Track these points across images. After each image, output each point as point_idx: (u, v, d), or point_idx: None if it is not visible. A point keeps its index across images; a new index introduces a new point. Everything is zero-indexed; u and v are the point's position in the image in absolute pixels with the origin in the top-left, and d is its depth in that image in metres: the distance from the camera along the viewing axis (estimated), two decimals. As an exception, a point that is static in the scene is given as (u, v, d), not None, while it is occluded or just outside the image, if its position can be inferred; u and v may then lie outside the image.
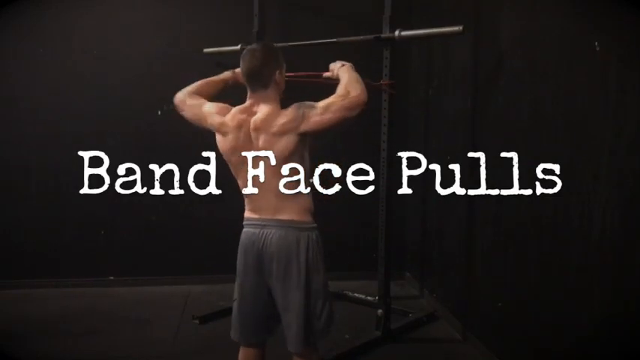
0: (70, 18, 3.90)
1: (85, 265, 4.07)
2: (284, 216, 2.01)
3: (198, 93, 2.22)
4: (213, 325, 3.39)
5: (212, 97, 2.20)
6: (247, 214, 2.10)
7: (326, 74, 2.34)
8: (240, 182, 2.08)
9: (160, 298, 3.86)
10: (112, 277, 4.11)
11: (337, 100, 1.97)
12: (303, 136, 1.96)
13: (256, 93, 2.01)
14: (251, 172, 2.02)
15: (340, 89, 2.04)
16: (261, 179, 2.01)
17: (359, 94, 1.99)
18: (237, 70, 2.33)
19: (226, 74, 2.36)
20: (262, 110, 1.98)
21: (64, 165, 3.99)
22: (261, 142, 1.97)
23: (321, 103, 1.96)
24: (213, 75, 2.38)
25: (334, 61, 2.32)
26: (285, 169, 1.98)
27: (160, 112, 3.99)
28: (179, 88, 2.25)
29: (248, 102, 2.04)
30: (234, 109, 2.04)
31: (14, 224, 4.02)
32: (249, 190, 2.04)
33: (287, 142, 1.94)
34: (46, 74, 3.91)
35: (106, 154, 3.99)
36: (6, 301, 3.76)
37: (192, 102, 2.18)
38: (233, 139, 2.01)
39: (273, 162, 1.96)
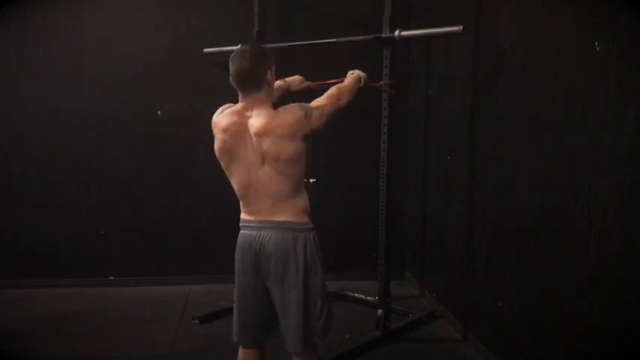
0: (71, 18, 3.90)
1: (85, 265, 4.07)
2: (280, 217, 2.01)
3: None
4: (213, 325, 3.39)
5: None
6: (243, 215, 2.09)
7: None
8: (234, 185, 2.07)
9: (160, 298, 3.86)
10: (112, 277, 4.11)
11: (329, 102, 2.11)
12: (306, 137, 1.97)
13: (248, 96, 1.99)
14: (245, 174, 2.02)
15: (332, 91, 2.17)
16: (257, 183, 2.00)
17: (344, 101, 2.19)
18: (288, 79, 2.58)
19: (277, 82, 2.43)
20: (260, 114, 1.96)
21: (64, 165, 4.00)
22: (266, 146, 1.95)
23: (319, 104, 2.05)
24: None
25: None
26: (290, 171, 1.98)
27: (159, 112, 4.00)
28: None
29: (240, 105, 2.02)
30: (226, 111, 2.02)
31: (14, 224, 4.03)
32: (244, 191, 2.05)
33: (294, 144, 1.94)
34: (46, 74, 3.91)
35: (106, 154, 4.03)
36: (6, 301, 3.76)
37: None
38: (220, 140, 2.01)
39: (277, 164, 1.96)
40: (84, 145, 4.01)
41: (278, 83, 2.46)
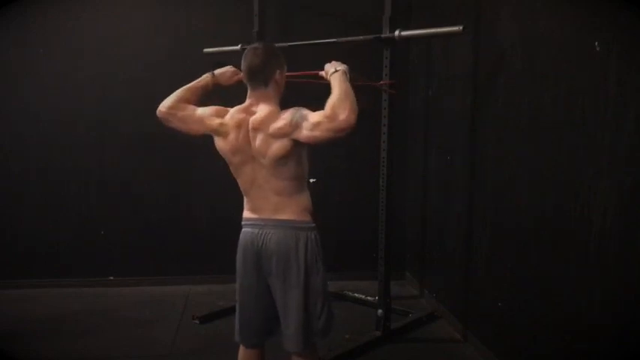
0: (71, 18, 3.90)
1: (85, 265, 4.07)
2: (283, 216, 2.01)
3: (183, 101, 2.13)
4: (213, 325, 3.39)
5: (194, 104, 2.13)
6: (246, 214, 2.10)
7: (320, 73, 2.21)
8: (240, 182, 2.08)
9: (160, 298, 3.86)
10: (111, 277, 4.11)
11: (325, 121, 1.85)
12: (298, 142, 1.94)
13: (256, 91, 2.01)
14: (250, 171, 2.02)
15: (328, 109, 1.87)
16: (261, 179, 2.01)
17: (347, 116, 1.83)
18: (217, 71, 2.27)
19: (206, 78, 2.23)
20: (261, 110, 1.98)
21: (64, 165, 4.00)
22: (258, 143, 1.96)
23: (311, 119, 1.87)
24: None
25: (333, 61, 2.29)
26: (283, 170, 1.98)
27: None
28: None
29: (247, 101, 2.03)
30: (233, 109, 2.04)
31: (14, 224, 4.03)
32: (248, 188, 2.05)
33: (282, 144, 1.93)
34: (46, 74, 3.91)
35: (106, 154, 4.03)
36: (6, 301, 3.76)
37: (182, 112, 2.09)
38: (234, 139, 2.00)
39: (265, 161, 1.96)
40: (84, 145, 4.01)
41: (205, 76, 2.23)
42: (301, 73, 2.58)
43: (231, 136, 2.01)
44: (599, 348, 2.04)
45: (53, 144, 3.97)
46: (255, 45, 2.06)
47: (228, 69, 2.29)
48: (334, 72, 2.05)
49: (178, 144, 3.98)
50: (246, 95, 2.05)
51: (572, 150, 2.19)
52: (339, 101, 1.89)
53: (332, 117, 1.85)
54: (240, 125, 2.00)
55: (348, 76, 2.04)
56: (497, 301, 2.79)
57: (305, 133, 1.89)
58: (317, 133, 1.87)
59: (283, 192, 2.01)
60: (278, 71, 2.00)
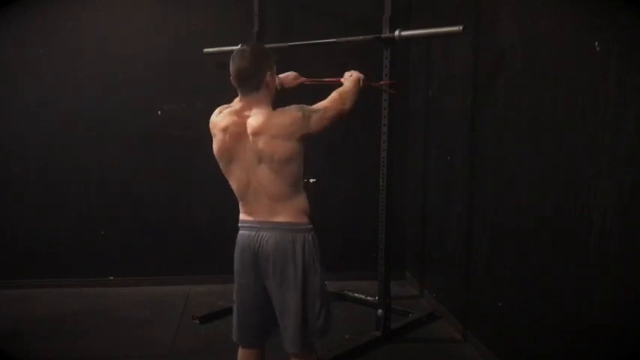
0: (71, 18, 3.90)
1: (85, 265, 4.07)
2: (279, 218, 2.01)
3: None
4: (213, 325, 3.39)
5: None
6: (242, 216, 2.09)
7: (342, 80, 2.39)
8: (234, 186, 2.07)
9: (160, 298, 3.86)
10: (111, 277, 4.11)
11: (332, 106, 2.06)
12: (304, 139, 1.96)
13: (247, 96, 1.99)
14: (244, 175, 2.02)
15: (335, 95, 2.11)
16: (256, 183, 2.00)
17: (348, 106, 2.11)
18: (281, 75, 2.48)
19: None
20: (257, 114, 1.96)
21: (64, 165, 4.00)
22: (261, 146, 1.95)
23: (320, 107, 2.02)
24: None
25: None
26: (285, 171, 1.97)
27: (160, 112, 4.00)
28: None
29: (238, 105, 2.02)
30: (225, 111, 2.03)
31: (14, 224, 4.03)
32: (243, 191, 2.04)
33: (289, 144, 1.93)
34: (46, 74, 3.91)
35: (106, 154, 4.03)
36: (6, 301, 3.76)
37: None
38: (220, 140, 2.01)
39: (272, 164, 1.96)
40: (84, 145, 4.01)
41: None
42: (326, 80, 2.66)
43: (218, 137, 2.01)
44: (599, 348, 2.04)
45: (53, 144, 3.97)
46: (243, 47, 2.03)
47: (290, 73, 2.64)
48: (350, 76, 2.34)
49: (178, 144, 4.00)
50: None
51: (572, 150, 2.18)
52: (346, 93, 2.15)
53: (338, 101, 2.09)
54: (227, 128, 1.99)
55: (361, 82, 2.30)
56: (497, 301, 2.79)
57: (318, 122, 1.98)
58: (327, 120, 2.02)
59: (280, 195, 2.00)
60: (268, 73, 1.99)
